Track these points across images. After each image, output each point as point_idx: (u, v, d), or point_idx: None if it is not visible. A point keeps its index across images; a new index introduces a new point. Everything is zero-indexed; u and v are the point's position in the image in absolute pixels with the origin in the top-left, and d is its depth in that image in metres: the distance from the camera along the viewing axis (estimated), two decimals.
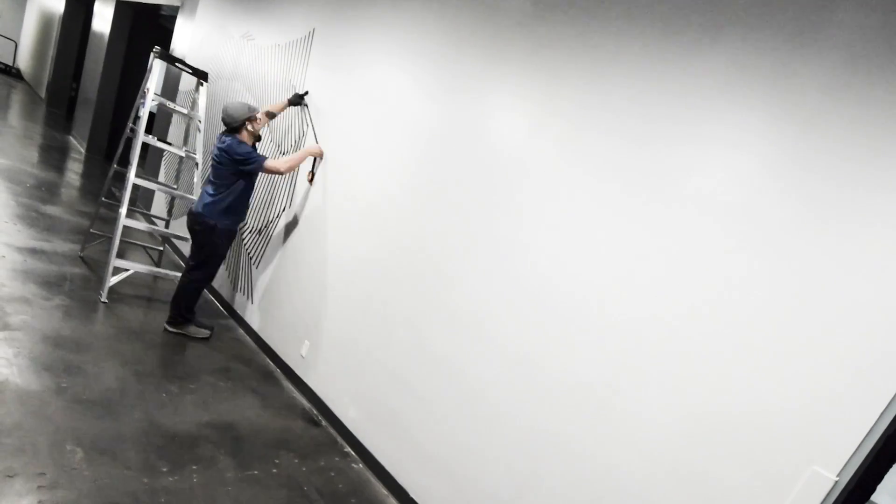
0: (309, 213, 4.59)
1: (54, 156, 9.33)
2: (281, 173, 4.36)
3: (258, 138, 4.54)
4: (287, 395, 4.33)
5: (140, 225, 4.98)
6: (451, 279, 3.33)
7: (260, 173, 4.41)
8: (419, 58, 3.73)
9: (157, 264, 5.86)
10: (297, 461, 3.47)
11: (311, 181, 4.58)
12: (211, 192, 4.36)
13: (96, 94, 9.85)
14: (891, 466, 2.01)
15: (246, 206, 4.60)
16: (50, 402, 3.08)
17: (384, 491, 3.53)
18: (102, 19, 9.96)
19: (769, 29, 2.23)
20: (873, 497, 2.17)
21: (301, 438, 3.76)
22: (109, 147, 10.42)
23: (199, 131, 5.61)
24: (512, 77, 3.15)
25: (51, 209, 6.38)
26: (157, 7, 8.50)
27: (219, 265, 4.70)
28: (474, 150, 3.28)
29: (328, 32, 4.60)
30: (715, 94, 2.36)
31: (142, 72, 10.24)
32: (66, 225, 6.08)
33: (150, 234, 5.53)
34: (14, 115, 11.58)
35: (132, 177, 4.84)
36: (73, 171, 8.91)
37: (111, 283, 4.68)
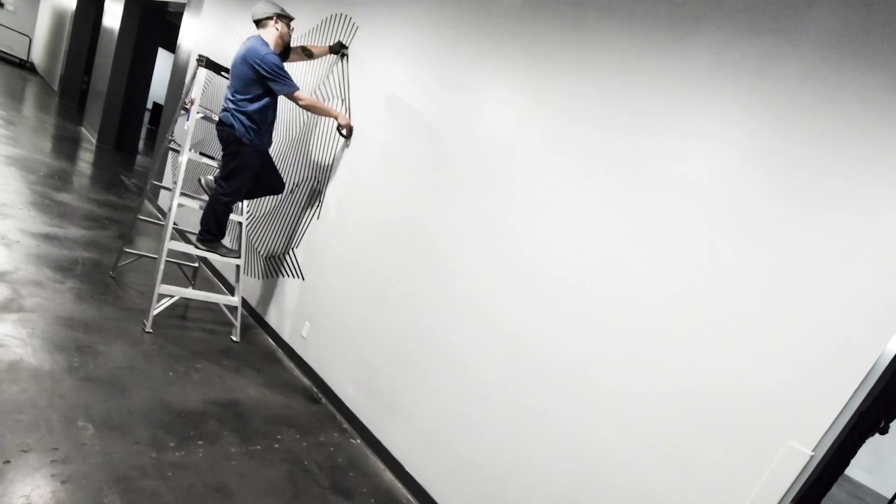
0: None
1: (67, 146, 9.23)
2: (304, 107, 3.98)
3: (287, 48, 4.07)
4: (288, 373, 4.31)
5: (183, 246, 4.24)
6: (446, 261, 3.31)
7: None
8: (415, 52, 3.69)
9: (192, 281, 5.22)
10: (298, 437, 3.46)
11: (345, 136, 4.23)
12: (231, 99, 3.90)
13: (107, 87, 9.79)
14: (864, 442, 2.01)
15: (272, 122, 4.08)
16: (62, 380, 3.06)
17: (381, 465, 3.53)
18: (112, 15, 9.90)
19: (748, 22, 2.21)
20: (847, 471, 2.18)
21: (302, 415, 3.75)
22: (119, 137, 10.37)
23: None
24: (503, 71, 3.12)
25: (63, 196, 6.31)
26: (165, 3, 8.41)
27: (247, 181, 4.12)
28: (468, 140, 3.26)
29: (327, 31, 4.55)
30: (696, 86, 2.35)
31: (150, 66, 10.33)
32: (78, 212, 6.01)
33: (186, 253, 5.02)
34: (28, 107, 11.46)
35: (177, 199, 4.17)
36: (85, 160, 8.81)
37: (156, 312, 4.13)
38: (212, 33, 6.59)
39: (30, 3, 18.38)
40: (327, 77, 4.52)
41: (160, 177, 7.14)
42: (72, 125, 11.15)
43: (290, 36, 4.03)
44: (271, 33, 3.88)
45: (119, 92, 9.96)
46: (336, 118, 4.13)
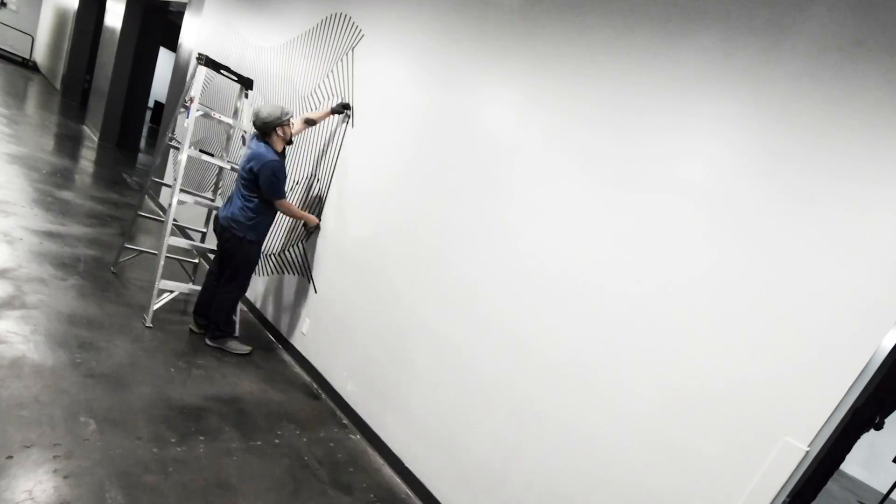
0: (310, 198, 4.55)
1: (69, 144, 9.21)
2: (283, 213, 4.18)
3: (290, 142, 4.12)
4: (289, 370, 4.31)
5: (183, 242, 4.35)
6: (445, 258, 3.31)
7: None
8: (414, 52, 3.68)
9: (192, 277, 5.20)
10: (298, 432, 3.46)
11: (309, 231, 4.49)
12: (239, 203, 3.98)
13: (108, 86, 9.79)
14: (859, 438, 2.02)
15: (272, 219, 4.18)
16: (64, 376, 3.05)
17: (380, 460, 3.53)
18: (114, 15, 9.89)
19: (744, 23, 2.21)
20: (842, 467, 2.18)
21: (302, 411, 3.75)
22: (121, 135, 10.37)
23: (244, 144, 4.77)
24: (501, 71, 3.11)
25: (66, 194, 6.30)
26: (166, 3, 8.39)
27: (250, 274, 4.26)
28: (466, 139, 3.25)
29: (326, 28, 4.54)
30: (693, 85, 2.34)
31: (152, 64, 10.32)
32: (81, 209, 6.00)
33: (186, 249, 4.94)
34: (31, 106, 11.43)
35: (177, 195, 4.20)
36: (87, 158, 8.79)
37: (156, 307, 4.19)
38: (213, 32, 6.58)
39: (32, 2, 18.34)
40: (327, 76, 4.51)
41: (161, 174, 7.14)
42: (74, 123, 11.12)
43: (292, 130, 4.07)
44: (275, 137, 3.96)
45: (121, 90, 9.95)
46: (306, 221, 4.35)
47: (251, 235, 4.00)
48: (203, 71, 4.25)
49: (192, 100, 4.25)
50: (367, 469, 3.39)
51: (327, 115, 4.30)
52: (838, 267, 1.91)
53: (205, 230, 4.98)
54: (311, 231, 4.45)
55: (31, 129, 9.03)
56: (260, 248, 4.22)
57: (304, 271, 4.47)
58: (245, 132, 4.74)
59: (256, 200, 3.95)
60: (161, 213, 6.99)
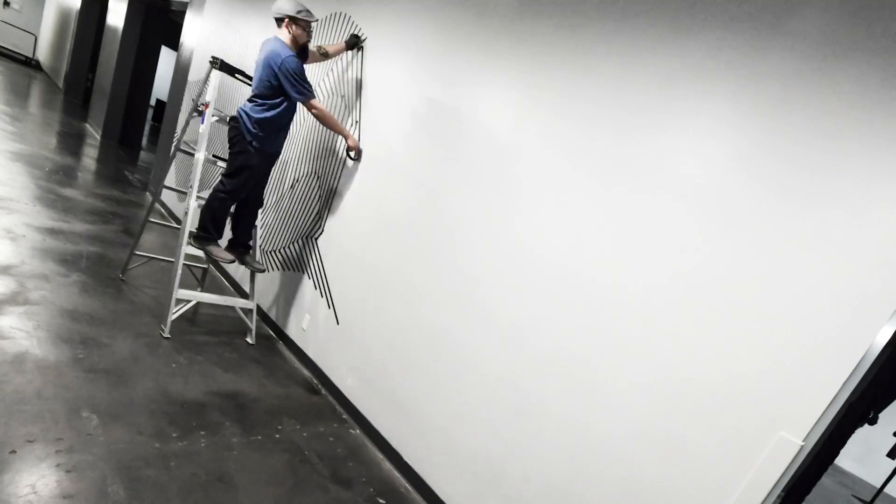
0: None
1: (71, 142, 9.20)
2: (315, 116, 3.84)
3: (304, 49, 3.86)
4: (289, 365, 4.30)
5: (200, 252, 4.12)
6: (445, 253, 3.31)
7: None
8: (413, 52, 3.68)
9: (201, 283, 5.05)
10: (298, 427, 3.46)
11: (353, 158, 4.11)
12: (249, 104, 3.79)
13: (110, 85, 9.79)
14: (853, 432, 2.02)
15: (284, 129, 3.95)
16: (67, 371, 3.05)
17: (380, 455, 3.52)
18: (116, 14, 9.90)
19: (738, 21, 2.21)
20: (836, 461, 2.18)
21: (302, 406, 3.74)
22: (123, 134, 10.38)
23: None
24: (502, 71, 3.11)
25: (68, 192, 6.29)
26: (168, 2, 8.39)
27: (248, 184, 3.97)
28: (466, 136, 3.25)
29: (326, 28, 4.53)
30: (689, 84, 2.34)
31: (153, 63, 10.31)
32: (83, 206, 5.99)
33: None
34: (34, 104, 11.42)
35: (193, 203, 4.09)
36: (89, 156, 8.79)
37: (174, 317, 3.99)
38: (214, 31, 6.57)
39: (35, 1, 18.34)
40: (327, 74, 4.50)
41: (164, 177, 7.11)
42: (76, 122, 11.11)
43: (307, 38, 3.83)
44: (284, 34, 3.73)
45: (123, 89, 9.95)
46: (346, 138, 4.02)
47: (257, 138, 3.80)
48: (217, 75, 4.11)
49: (206, 105, 4.08)
50: (366, 463, 3.39)
51: (342, 49, 4.14)
52: (832, 263, 1.91)
53: None
54: (355, 158, 4.10)
55: (35, 127, 9.02)
56: (269, 162, 4.03)
57: (320, 286, 4.43)
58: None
59: (268, 107, 3.75)
60: (164, 213, 6.99)
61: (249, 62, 5.50)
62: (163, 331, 3.94)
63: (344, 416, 3.82)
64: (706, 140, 2.27)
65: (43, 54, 18.25)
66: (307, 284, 4.42)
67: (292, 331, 4.55)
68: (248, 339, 4.39)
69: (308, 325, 4.33)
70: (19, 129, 8.33)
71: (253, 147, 3.81)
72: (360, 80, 4.12)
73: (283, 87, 3.68)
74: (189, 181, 4.46)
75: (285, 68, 3.60)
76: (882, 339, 1.79)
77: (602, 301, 2.54)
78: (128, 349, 3.52)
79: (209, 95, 4.09)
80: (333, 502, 2.91)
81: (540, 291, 2.79)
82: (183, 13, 8.01)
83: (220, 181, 3.97)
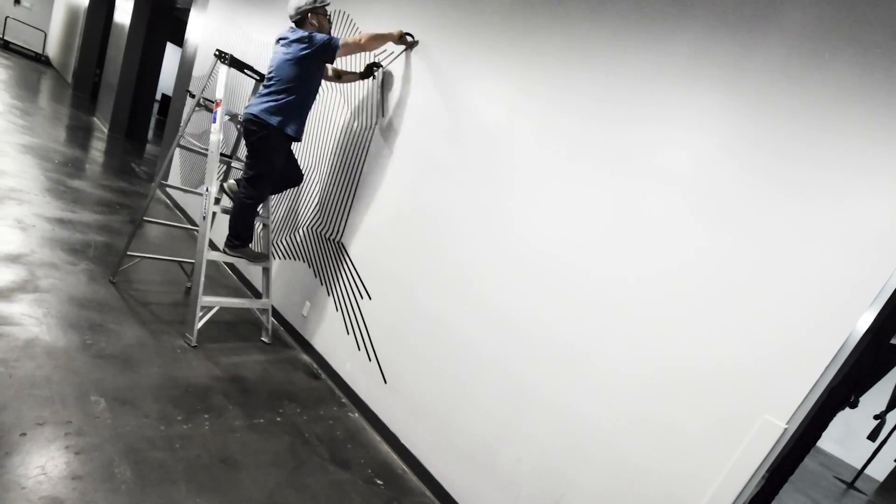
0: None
1: (80, 135, 9.15)
2: (363, 48, 3.54)
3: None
4: (290, 350, 4.30)
5: (217, 256, 3.94)
6: (442, 243, 3.30)
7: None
8: (412, 53, 3.66)
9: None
10: (299, 410, 3.45)
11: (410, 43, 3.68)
12: (265, 91, 3.58)
13: (118, 80, 9.77)
14: (835, 416, 2.02)
15: (305, 109, 3.68)
16: (75, 357, 3.04)
17: (378, 437, 3.53)
18: (123, 12, 9.88)
19: (726, 17, 2.20)
20: (819, 443, 2.19)
21: (302, 390, 3.74)
22: (129, 127, 10.36)
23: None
24: (495, 65, 3.10)
25: (77, 183, 6.26)
26: (173, 0, 8.34)
27: (269, 178, 3.77)
28: (461, 129, 3.24)
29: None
30: (677, 78, 2.34)
31: (159, 59, 10.27)
32: (91, 197, 5.96)
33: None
34: (43, 99, 11.36)
35: (211, 206, 3.82)
36: (97, 149, 8.74)
37: (200, 325, 3.78)
38: (217, 28, 6.52)
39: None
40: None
41: (166, 176, 7.09)
42: (85, 115, 11.05)
43: (329, 25, 3.71)
44: (308, 26, 3.58)
45: (129, 84, 9.94)
46: (393, 38, 3.60)
47: (277, 120, 3.53)
48: (225, 70, 3.87)
49: (218, 103, 3.84)
50: (365, 445, 3.39)
51: (356, 78, 3.96)
52: (816, 252, 1.91)
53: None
54: (412, 44, 3.67)
55: (44, 121, 8.96)
56: (286, 146, 3.77)
57: (319, 274, 4.43)
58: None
59: (285, 79, 3.52)
60: (171, 207, 6.97)
61: (252, 59, 5.47)
62: (189, 340, 3.73)
63: (343, 400, 3.82)
64: (692, 132, 2.26)
65: (52, 50, 18.18)
66: (307, 272, 4.40)
67: (293, 318, 4.53)
68: (264, 339, 4.27)
69: (308, 312, 4.32)
70: (29, 123, 8.27)
71: (276, 131, 3.57)
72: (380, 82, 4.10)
73: (312, 59, 3.50)
74: (198, 176, 4.42)
75: (314, 41, 3.44)
76: (863, 326, 1.79)
77: (594, 289, 2.54)
78: (134, 335, 3.51)
79: (219, 92, 3.86)
80: (333, 483, 2.91)
81: (534, 279, 2.78)
82: (188, 10, 7.96)
83: (243, 187, 3.78)
